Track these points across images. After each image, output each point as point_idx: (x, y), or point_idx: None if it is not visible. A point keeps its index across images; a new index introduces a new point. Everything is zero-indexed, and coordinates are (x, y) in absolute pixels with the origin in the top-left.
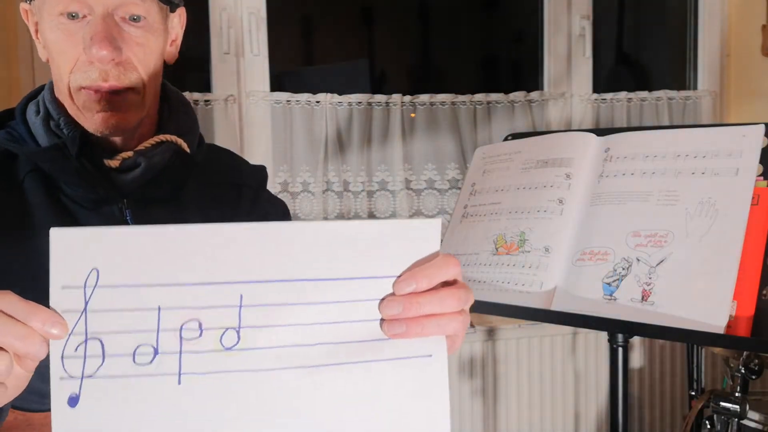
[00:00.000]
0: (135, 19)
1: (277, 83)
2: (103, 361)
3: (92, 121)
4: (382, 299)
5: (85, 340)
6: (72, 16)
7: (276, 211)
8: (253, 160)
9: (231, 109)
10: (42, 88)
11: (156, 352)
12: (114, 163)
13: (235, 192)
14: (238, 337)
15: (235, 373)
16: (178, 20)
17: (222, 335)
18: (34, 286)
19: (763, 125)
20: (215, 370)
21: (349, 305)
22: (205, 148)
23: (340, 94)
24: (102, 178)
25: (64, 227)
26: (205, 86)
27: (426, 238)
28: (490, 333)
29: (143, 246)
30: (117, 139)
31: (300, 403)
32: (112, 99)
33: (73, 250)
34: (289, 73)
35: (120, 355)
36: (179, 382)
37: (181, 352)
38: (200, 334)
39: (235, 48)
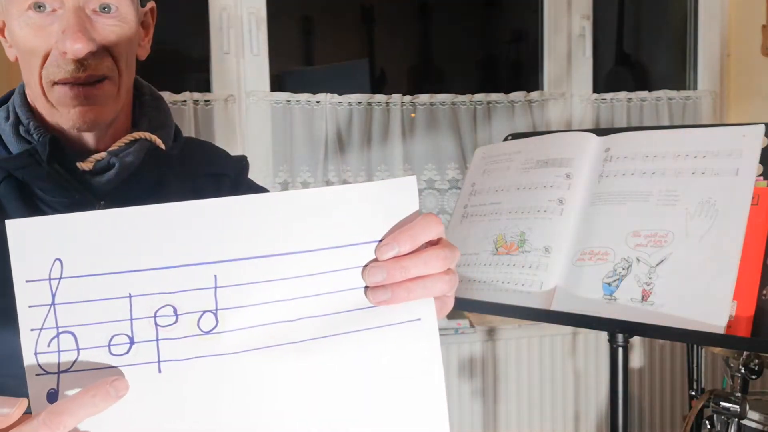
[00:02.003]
0: (106, 9)
1: (277, 83)
2: (78, 354)
3: (68, 116)
4: (365, 266)
5: (57, 335)
6: (39, 8)
7: None
8: (253, 160)
9: (231, 109)
10: (12, 92)
11: (132, 341)
12: (87, 165)
13: (214, 182)
14: (217, 320)
15: (217, 357)
16: (150, 15)
17: (199, 319)
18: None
19: (763, 125)
20: (196, 356)
21: (330, 276)
22: (183, 141)
23: (340, 94)
24: (76, 181)
25: (20, 218)
26: (205, 86)
27: (404, 198)
28: (490, 333)
29: (106, 231)
30: (90, 140)
31: (288, 380)
32: (89, 93)
33: (32, 241)
34: (289, 73)
35: (95, 347)
36: (159, 371)
37: (158, 340)
38: (176, 320)
39: (235, 48)
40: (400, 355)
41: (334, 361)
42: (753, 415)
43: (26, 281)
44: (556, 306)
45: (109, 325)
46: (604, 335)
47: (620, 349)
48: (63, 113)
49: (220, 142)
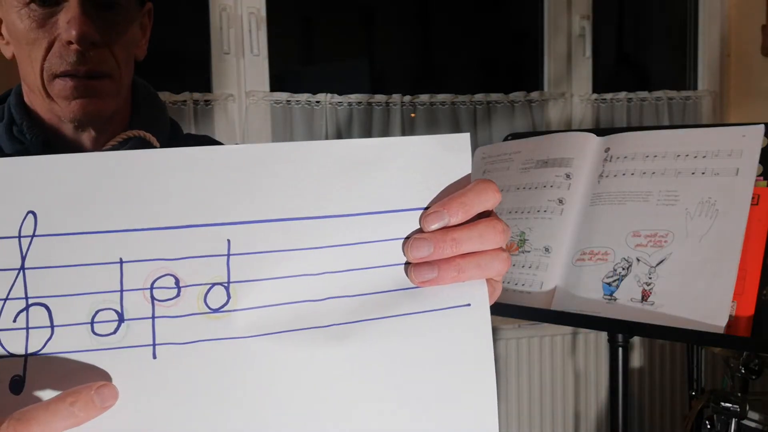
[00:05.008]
0: (109, 6)
1: (277, 83)
2: (53, 332)
3: (68, 109)
4: (406, 238)
5: (26, 307)
6: (44, 2)
7: None
8: None
9: (231, 109)
10: (9, 93)
11: (121, 318)
12: None
13: None
14: (228, 295)
15: (227, 342)
16: (147, 17)
17: (206, 293)
18: None
19: (763, 125)
20: (200, 339)
21: (365, 248)
22: (182, 137)
23: (340, 94)
24: None
25: None
26: (205, 86)
27: (455, 158)
28: None
29: (94, 180)
30: (86, 140)
31: (312, 372)
32: (89, 85)
33: (1, 188)
34: (289, 73)
35: (74, 325)
36: (154, 356)
37: (153, 318)
38: (177, 294)
39: (235, 48)
40: (445, 347)
41: (367, 351)
42: (753, 415)
43: None
44: (556, 306)
45: (93, 298)
46: (604, 335)
47: (620, 349)
48: (63, 106)
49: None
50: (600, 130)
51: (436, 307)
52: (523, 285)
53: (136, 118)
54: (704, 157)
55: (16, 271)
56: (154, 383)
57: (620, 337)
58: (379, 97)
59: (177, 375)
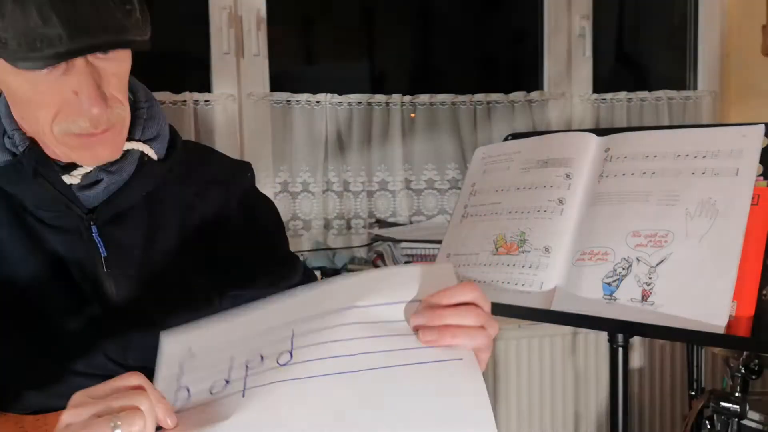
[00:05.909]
0: (113, 46)
1: (277, 83)
2: (189, 400)
3: (84, 158)
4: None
5: (177, 389)
6: (46, 63)
7: (261, 208)
8: (254, 160)
9: (231, 109)
10: None
11: (227, 382)
12: (74, 179)
13: (211, 191)
14: (291, 356)
15: (289, 381)
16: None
17: (278, 357)
18: None
19: (763, 125)
20: (272, 381)
21: (382, 325)
22: (180, 146)
23: (340, 94)
24: (63, 195)
25: (172, 331)
26: (205, 86)
27: (443, 277)
28: None
29: (224, 325)
30: None
31: (345, 400)
32: (104, 138)
33: (178, 345)
34: (289, 73)
35: (200, 392)
36: (243, 395)
37: (246, 377)
38: (261, 362)
39: (235, 48)
40: (446, 387)
41: (385, 390)
42: (753, 415)
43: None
44: (556, 306)
45: (214, 376)
46: (604, 335)
47: (620, 349)
48: (77, 154)
49: (220, 142)
50: (600, 130)
51: (436, 359)
52: (523, 285)
53: (136, 130)
54: (704, 157)
55: (176, 379)
56: (243, 410)
57: (620, 337)
58: (379, 97)
59: (257, 403)
